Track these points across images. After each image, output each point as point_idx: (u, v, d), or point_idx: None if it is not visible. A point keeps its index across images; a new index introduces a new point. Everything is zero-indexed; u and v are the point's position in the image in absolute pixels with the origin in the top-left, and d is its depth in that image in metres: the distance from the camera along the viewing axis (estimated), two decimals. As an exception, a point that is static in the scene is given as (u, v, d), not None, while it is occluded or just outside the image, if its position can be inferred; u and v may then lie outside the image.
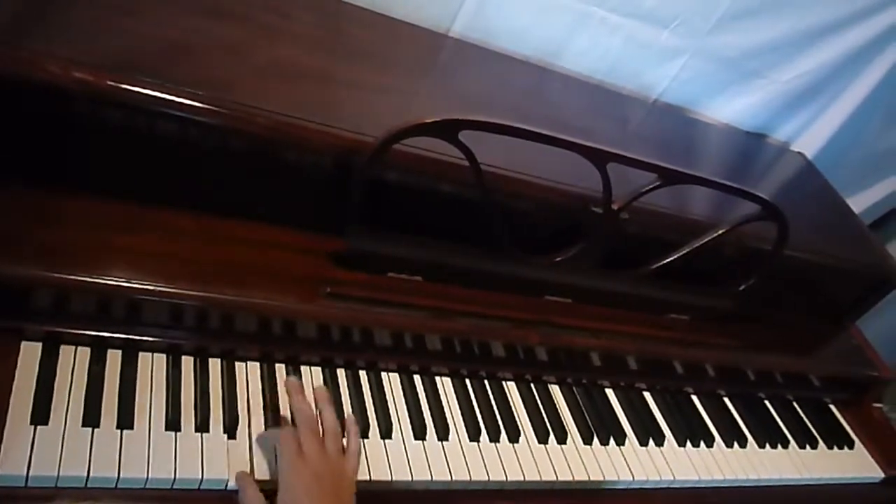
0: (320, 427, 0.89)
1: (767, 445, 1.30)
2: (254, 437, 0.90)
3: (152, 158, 0.94)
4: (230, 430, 0.89)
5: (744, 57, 1.62)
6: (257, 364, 0.98)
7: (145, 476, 0.82)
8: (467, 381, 1.11)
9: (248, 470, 0.86)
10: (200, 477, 0.84)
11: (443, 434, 1.02)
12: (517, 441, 1.07)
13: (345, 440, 0.91)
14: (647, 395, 1.26)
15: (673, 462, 1.17)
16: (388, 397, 1.03)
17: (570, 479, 1.06)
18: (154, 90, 0.88)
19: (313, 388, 0.96)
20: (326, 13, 1.29)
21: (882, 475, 1.39)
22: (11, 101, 0.84)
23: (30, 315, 0.86)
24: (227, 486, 0.86)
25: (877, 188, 2.02)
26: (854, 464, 1.39)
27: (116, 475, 0.81)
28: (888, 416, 1.50)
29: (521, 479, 1.03)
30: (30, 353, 0.86)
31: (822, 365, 1.46)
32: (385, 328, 1.04)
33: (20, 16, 0.91)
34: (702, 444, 1.23)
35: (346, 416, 0.95)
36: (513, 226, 1.06)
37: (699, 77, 1.63)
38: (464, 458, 1.01)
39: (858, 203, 1.95)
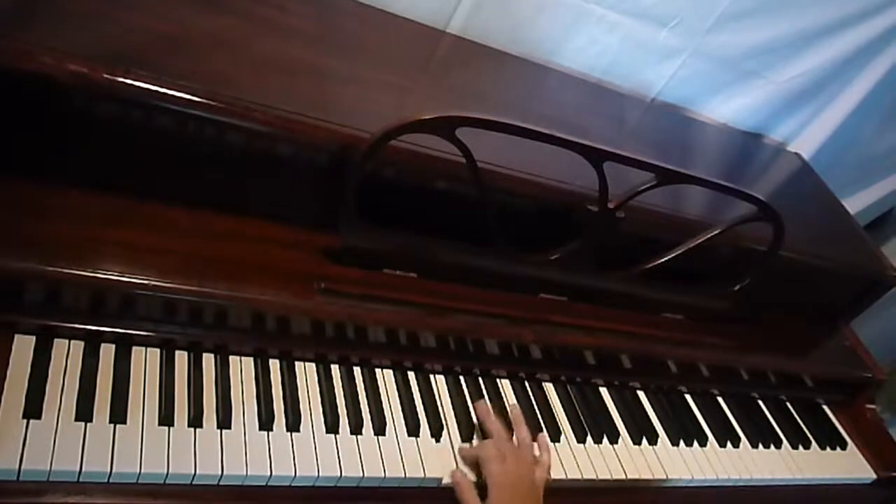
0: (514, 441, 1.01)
1: (760, 445, 1.30)
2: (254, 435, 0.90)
3: (147, 152, 0.93)
4: (223, 425, 0.89)
5: (741, 57, 1.62)
6: (251, 360, 0.98)
7: (138, 471, 0.82)
8: (461, 378, 1.11)
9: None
10: (193, 472, 0.84)
11: (436, 431, 1.02)
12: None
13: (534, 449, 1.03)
14: (640, 393, 1.27)
15: (666, 461, 1.17)
16: (382, 394, 1.03)
17: (563, 476, 1.06)
18: (149, 83, 0.87)
19: (510, 407, 1.08)
20: (324, 7, 1.28)
21: (874, 476, 1.39)
22: (4, 93, 0.84)
23: (23, 308, 0.86)
24: (219, 481, 0.86)
25: (873, 190, 2.03)
26: (846, 464, 1.39)
27: (109, 470, 0.80)
28: (881, 416, 1.50)
29: (515, 476, 1.03)
30: (23, 347, 0.85)
31: (815, 365, 1.47)
32: (379, 325, 1.04)
33: (14, 7, 0.91)
34: (695, 443, 1.23)
35: (539, 434, 1.07)
36: (508, 223, 1.05)
37: (697, 76, 1.63)
38: (457, 456, 1.01)
39: (854, 204, 1.95)
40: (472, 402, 1.08)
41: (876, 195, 2.03)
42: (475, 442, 1.04)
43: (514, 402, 1.12)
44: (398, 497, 0.97)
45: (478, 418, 1.05)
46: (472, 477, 0.97)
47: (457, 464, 0.99)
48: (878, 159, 1.96)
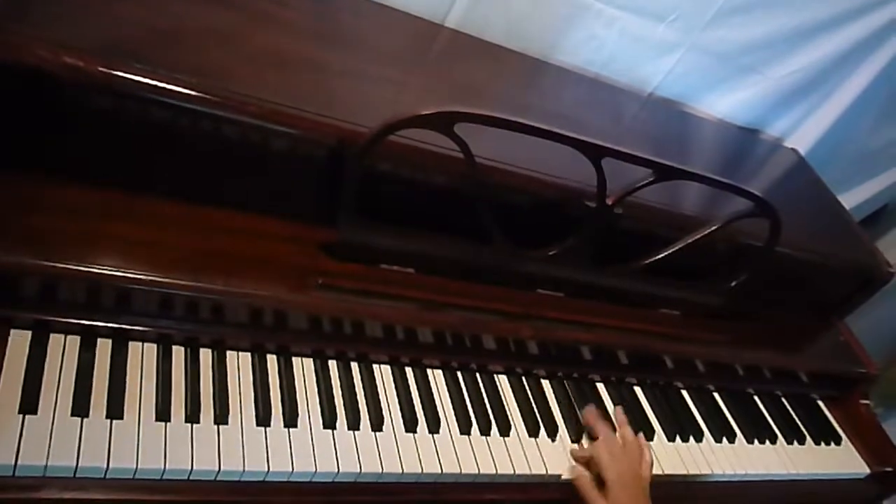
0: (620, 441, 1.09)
1: (756, 440, 1.31)
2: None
3: (143, 146, 0.93)
4: (220, 420, 0.89)
5: (739, 52, 1.62)
6: (248, 355, 0.98)
7: (135, 466, 0.82)
8: (458, 373, 1.11)
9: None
10: (190, 467, 0.84)
11: (433, 427, 1.02)
12: (508, 434, 1.07)
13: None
14: (637, 389, 1.27)
15: (662, 456, 1.17)
16: (379, 389, 1.03)
17: (561, 473, 1.07)
18: (146, 77, 0.87)
19: (614, 410, 1.16)
20: (322, 1, 1.28)
21: (868, 471, 1.40)
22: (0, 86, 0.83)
23: (19, 303, 0.85)
24: (216, 476, 0.86)
25: (869, 185, 2.03)
26: (840, 459, 1.40)
27: (105, 465, 0.80)
28: (874, 412, 1.51)
29: (512, 472, 1.03)
30: (19, 342, 0.85)
31: (810, 361, 1.47)
32: (377, 320, 1.03)
33: (12, 0, 0.90)
34: (691, 438, 1.24)
35: (639, 435, 1.13)
36: (506, 219, 1.05)
37: (694, 72, 1.63)
38: (454, 451, 1.01)
39: (850, 200, 1.95)
40: (467, 394, 1.08)
41: (872, 191, 2.04)
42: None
43: (600, 403, 1.19)
44: (395, 492, 0.97)
45: (586, 422, 1.12)
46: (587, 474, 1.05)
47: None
48: (875, 155, 1.96)
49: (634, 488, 1.02)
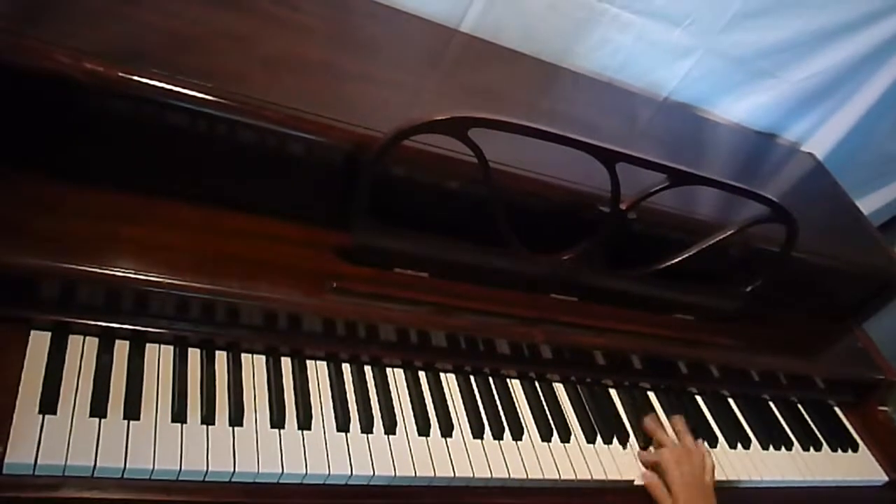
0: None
1: (771, 447, 1.30)
2: (260, 431, 0.91)
3: (160, 150, 0.94)
4: (235, 422, 0.90)
5: (755, 56, 1.61)
6: (263, 357, 0.98)
7: (151, 467, 0.83)
8: (471, 377, 1.11)
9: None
10: (206, 468, 0.85)
11: (446, 430, 1.03)
12: (520, 438, 1.07)
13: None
14: (650, 394, 1.27)
15: (676, 462, 1.17)
16: (392, 393, 1.03)
17: (573, 477, 1.06)
18: (164, 82, 0.88)
19: (671, 419, 1.21)
20: (336, 6, 1.29)
21: (886, 478, 1.39)
22: (20, 91, 0.85)
23: (39, 305, 0.87)
24: (231, 477, 0.86)
25: (887, 190, 2.01)
26: (858, 467, 1.38)
27: (123, 465, 0.81)
28: (892, 418, 1.49)
29: (524, 476, 1.03)
30: (39, 343, 0.86)
31: (826, 367, 1.46)
32: (390, 324, 1.04)
33: (29, 5, 0.91)
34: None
35: (701, 441, 1.19)
36: (520, 223, 1.05)
37: (710, 76, 1.62)
38: (467, 455, 1.01)
39: (868, 205, 1.94)
40: (480, 398, 1.08)
41: (890, 195, 2.02)
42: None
43: (652, 411, 1.23)
44: (407, 495, 0.97)
45: (648, 431, 1.17)
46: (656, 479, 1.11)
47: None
48: (893, 159, 1.94)
49: (701, 492, 1.09)
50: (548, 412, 1.13)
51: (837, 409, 1.48)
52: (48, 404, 0.82)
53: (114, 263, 0.87)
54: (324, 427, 0.95)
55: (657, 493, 1.10)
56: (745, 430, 1.30)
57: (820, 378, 1.43)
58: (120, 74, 0.86)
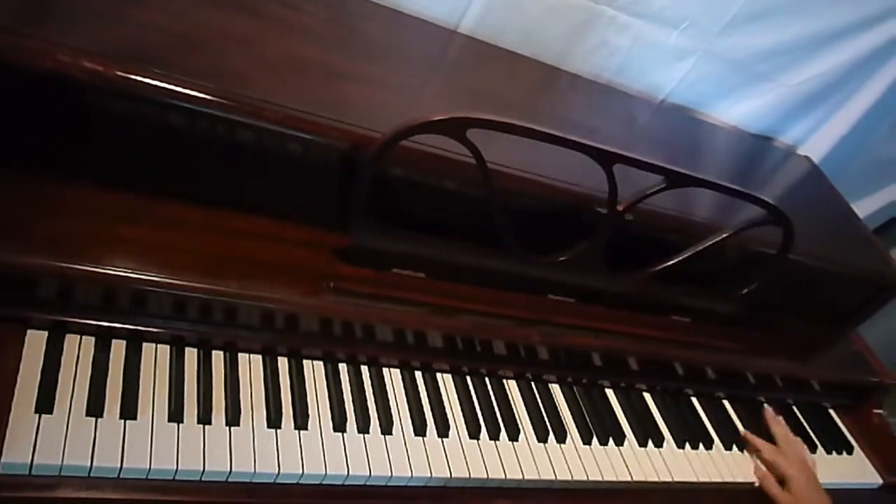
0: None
1: (766, 449, 1.30)
2: (254, 431, 0.91)
3: (160, 150, 0.94)
4: (232, 422, 0.90)
5: (752, 60, 1.62)
6: (260, 357, 0.98)
7: (148, 467, 0.83)
8: (468, 378, 1.12)
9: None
10: (202, 468, 0.85)
11: (443, 431, 1.03)
12: (517, 439, 1.07)
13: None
14: (647, 395, 1.27)
15: (671, 463, 1.17)
16: (389, 393, 1.04)
17: (569, 478, 1.07)
18: (164, 82, 0.88)
19: (771, 418, 1.32)
20: (337, 7, 1.29)
21: (881, 481, 1.39)
22: (20, 90, 0.85)
23: (36, 304, 0.87)
24: (227, 477, 0.87)
25: (883, 193, 2.02)
26: (853, 469, 1.39)
27: (119, 465, 0.81)
28: (888, 421, 1.50)
29: (520, 477, 1.03)
30: (35, 342, 0.86)
31: (822, 369, 1.46)
32: (388, 324, 1.04)
33: (29, 4, 0.91)
34: (700, 446, 1.23)
35: (799, 440, 1.31)
36: (517, 224, 1.06)
37: (707, 79, 1.63)
38: (463, 456, 1.02)
39: (864, 208, 1.94)
40: (477, 398, 1.08)
41: (886, 199, 2.02)
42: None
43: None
44: (404, 496, 0.97)
45: (747, 438, 1.27)
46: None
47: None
48: (889, 163, 1.95)
49: (813, 486, 1.20)
50: (544, 413, 1.13)
51: (832, 412, 1.48)
52: (45, 404, 0.82)
53: (112, 263, 0.87)
54: (320, 427, 0.95)
55: (772, 489, 1.19)
56: (740, 432, 1.30)
57: (815, 381, 1.44)
58: (120, 74, 0.86)
